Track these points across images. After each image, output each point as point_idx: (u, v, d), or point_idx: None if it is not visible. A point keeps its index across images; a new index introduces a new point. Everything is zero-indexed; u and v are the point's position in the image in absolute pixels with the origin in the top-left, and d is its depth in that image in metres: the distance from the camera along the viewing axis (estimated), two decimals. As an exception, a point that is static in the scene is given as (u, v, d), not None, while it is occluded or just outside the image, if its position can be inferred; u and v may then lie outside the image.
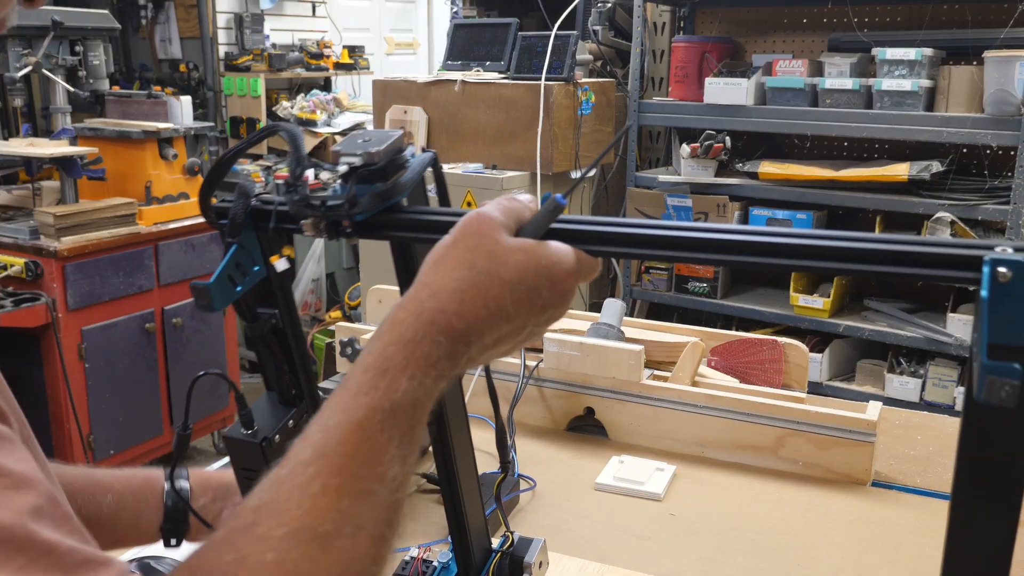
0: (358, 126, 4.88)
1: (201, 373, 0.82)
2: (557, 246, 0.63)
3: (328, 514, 0.53)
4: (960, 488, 0.58)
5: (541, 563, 0.86)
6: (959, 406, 2.96)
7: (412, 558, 0.87)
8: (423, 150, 0.72)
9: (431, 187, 0.76)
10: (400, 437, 0.57)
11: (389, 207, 0.69)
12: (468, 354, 0.61)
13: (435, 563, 0.86)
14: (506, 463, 0.86)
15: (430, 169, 0.73)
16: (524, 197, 0.67)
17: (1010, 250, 0.53)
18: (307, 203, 0.69)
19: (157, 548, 1.11)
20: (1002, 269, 0.51)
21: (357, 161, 0.68)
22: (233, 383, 0.79)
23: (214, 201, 0.74)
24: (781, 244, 0.61)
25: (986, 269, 0.52)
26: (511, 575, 0.84)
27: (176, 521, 0.90)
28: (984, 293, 0.52)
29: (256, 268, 0.74)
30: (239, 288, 0.73)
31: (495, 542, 0.87)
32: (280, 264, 0.75)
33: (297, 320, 0.79)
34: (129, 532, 0.91)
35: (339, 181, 0.69)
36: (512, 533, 0.86)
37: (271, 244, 0.75)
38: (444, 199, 0.76)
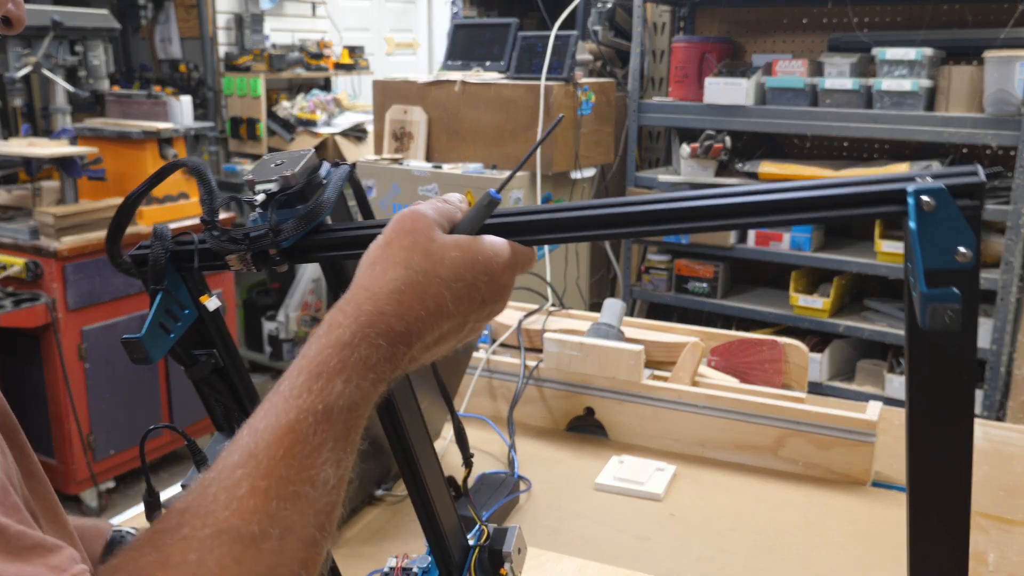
0: (357, 127, 4.88)
1: (151, 427, 0.80)
2: (492, 240, 0.63)
3: (255, 516, 0.52)
4: (916, 413, 0.60)
5: (520, 550, 0.85)
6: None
7: (391, 568, 0.86)
8: (335, 164, 0.70)
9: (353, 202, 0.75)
10: (334, 440, 0.56)
11: (315, 228, 0.67)
12: (409, 355, 0.60)
13: (415, 569, 0.85)
14: (468, 459, 0.85)
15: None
16: (454, 197, 0.67)
17: (928, 179, 0.54)
18: (229, 238, 0.67)
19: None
20: (926, 199, 0.53)
21: (274, 187, 0.66)
22: (184, 433, 0.77)
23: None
24: (705, 207, 0.60)
25: (911, 200, 0.53)
26: (492, 566, 0.84)
27: None
28: (912, 225, 0.53)
29: (187, 311, 0.72)
30: (172, 335, 0.71)
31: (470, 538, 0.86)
32: (211, 303, 0.73)
33: (238, 356, 0.77)
34: None
35: (258, 210, 0.67)
36: (487, 526, 0.85)
37: (198, 284, 0.73)
38: (366, 212, 0.74)
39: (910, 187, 0.54)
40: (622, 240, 3.70)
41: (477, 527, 0.85)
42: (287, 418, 0.55)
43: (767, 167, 3.21)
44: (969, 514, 0.60)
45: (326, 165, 0.70)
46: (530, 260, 0.65)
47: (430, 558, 0.83)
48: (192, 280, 0.72)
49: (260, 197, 0.67)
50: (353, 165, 0.71)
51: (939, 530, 0.62)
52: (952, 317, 0.52)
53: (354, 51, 5.31)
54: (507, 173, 3.21)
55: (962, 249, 0.52)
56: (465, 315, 0.62)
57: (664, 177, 3.42)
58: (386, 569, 0.86)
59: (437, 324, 0.61)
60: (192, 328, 0.73)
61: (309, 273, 4.47)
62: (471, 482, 1.27)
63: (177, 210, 3.51)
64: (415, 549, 1.00)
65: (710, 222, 0.61)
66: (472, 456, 0.84)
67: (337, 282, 0.71)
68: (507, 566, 0.84)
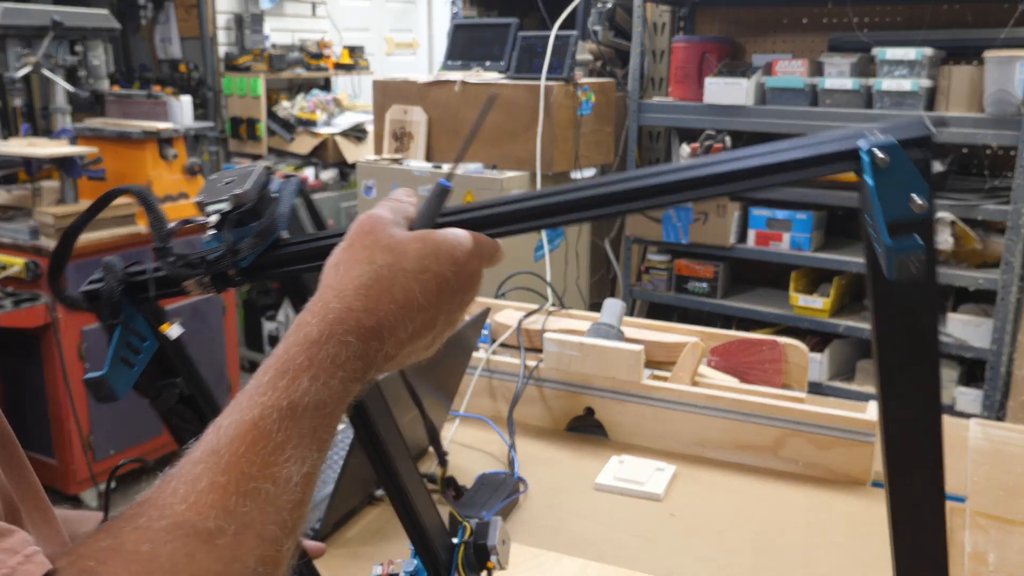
0: (357, 127, 4.88)
1: (122, 462, 0.79)
2: (452, 230, 0.63)
3: (212, 510, 0.52)
4: (886, 363, 0.61)
5: (504, 541, 0.86)
6: (959, 406, 2.96)
7: (377, 575, 0.86)
8: (286, 177, 0.70)
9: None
10: (299, 438, 0.55)
11: (272, 244, 0.66)
12: (383, 351, 0.60)
13: (401, 574, 0.85)
14: (442, 458, 0.85)
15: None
16: (402, 192, 0.67)
17: (878, 134, 0.55)
18: (186, 263, 0.66)
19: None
20: (880, 155, 0.54)
21: (226, 206, 0.65)
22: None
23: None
24: (656, 185, 0.61)
25: (864, 157, 0.55)
26: (478, 561, 0.84)
27: None
28: (869, 181, 0.55)
29: (147, 343, 0.70)
30: (136, 368, 0.70)
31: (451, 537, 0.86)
32: (173, 331, 0.72)
33: (203, 382, 0.76)
34: None
35: (212, 232, 0.66)
36: (468, 522, 0.85)
37: (156, 314, 0.71)
38: (319, 223, 0.74)
39: (862, 144, 0.55)
40: (621, 243, 3.70)
41: (461, 525, 0.85)
42: (251, 414, 0.55)
43: (767, 167, 3.21)
44: (942, 459, 0.64)
45: (276, 179, 0.69)
46: (494, 250, 0.65)
47: (416, 561, 0.83)
48: (150, 310, 0.71)
49: (214, 218, 0.65)
50: (304, 179, 0.70)
51: (916, 478, 0.65)
52: (918, 266, 0.54)
53: (354, 51, 5.31)
54: (507, 173, 3.21)
55: (917, 199, 0.54)
56: (436, 306, 0.62)
57: (664, 177, 3.41)
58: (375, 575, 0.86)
59: (408, 316, 0.60)
60: (155, 358, 0.72)
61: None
62: (470, 483, 1.28)
63: (177, 210, 3.51)
64: (398, 553, 1.00)
65: (667, 197, 0.62)
66: (447, 454, 0.84)
67: (298, 297, 0.70)
68: (493, 559, 0.84)
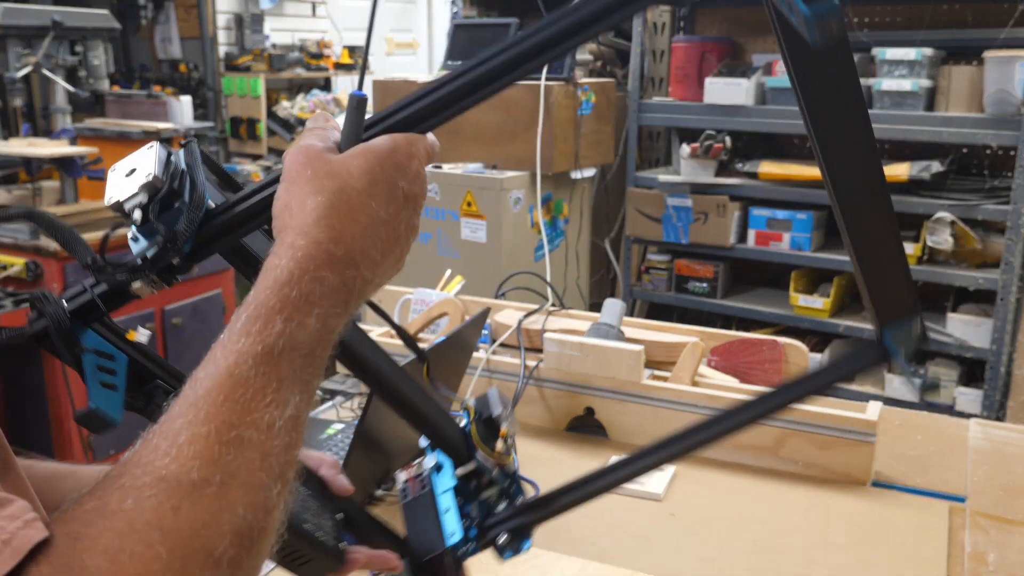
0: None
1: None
2: (383, 137, 0.62)
3: (194, 462, 0.51)
4: (819, 126, 0.61)
5: (506, 406, 0.85)
6: (959, 406, 2.96)
7: (404, 482, 0.85)
8: (183, 144, 0.65)
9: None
10: (279, 381, 0.54)
11: (205, 216, 0.63)
12: (360, 276, 0.59)
13: (425, 471, 0.84)
14: (419, 354, 0.85)
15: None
16: (319, 117, 0.65)
17: None
18: (128, 269, 0.63)
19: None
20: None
21: (143, 198, 0.61)
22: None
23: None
24: (545, 39, 0.60)
25: None
26: (490, 434, 0.83)
27: None
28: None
29: (117, 359, 0.68)
30: (119, 388, 0.67)
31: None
32: (141, 336, 0.69)
33: (180, 374, 0.73)
34: None
35: (135, 228, 0.62)
36: (467, 402, 0.84)
37: (113, 328, 0.68)
38: (231, 184, 0.69)
39: None
40: (621, 243, 3.70)
41: (463, 408, 0.84)
42: (225, 363, 0.54)
43: (767, 167, 3.21)
44: (891, 205, 0.64)
45: (173, 151, 0.64)
46: (429, 143, 0.64)
47: (435, 455, 0.83)
48: (106, 327, 0.68)
49: (136, 214, 0.61)
50: (196, 137, 0.67)
51: (869, 220, 0.65)
52: (838, 24, 0.53)
53: (354, 51, 5.31)
54: (507, 173, 3.21)
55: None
56: (396, 215, 0.61)
57: (664, 177, 3.42)
58: (401, 486, 0.85)
59: (375, 234, 0.59)
60: (131, 370, 0.69)
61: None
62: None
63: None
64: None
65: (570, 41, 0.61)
66: (422, 351, 0.84)
67: (249, 267, 0.67)
68: (504, 426, 0.83)
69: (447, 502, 0.81)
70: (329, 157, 0.60)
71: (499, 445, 0.83)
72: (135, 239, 0.63)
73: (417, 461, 0.85)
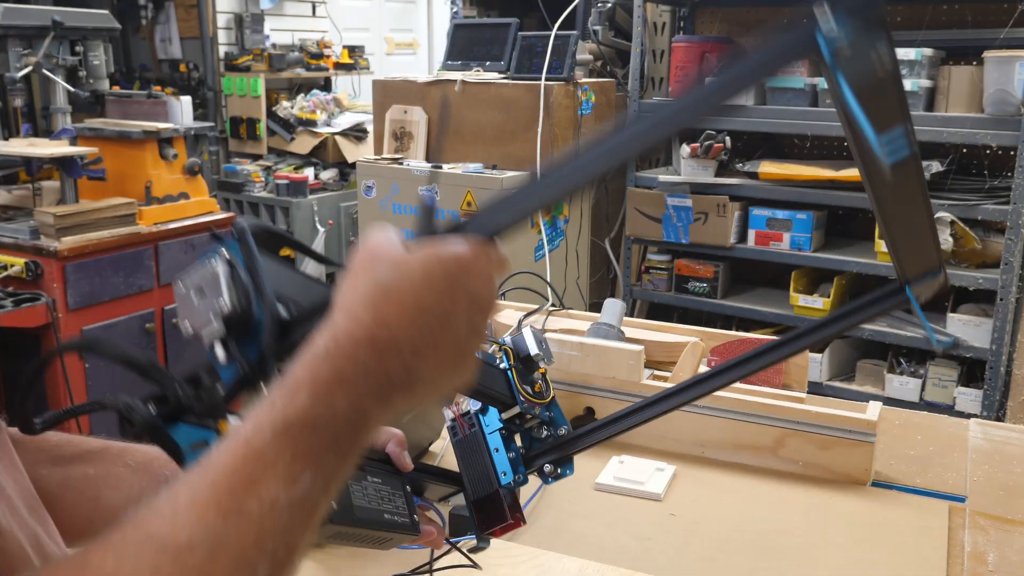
0: (357, 127, 4.88)
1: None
2: (454, 237, 0.59)
3: (187, 526, 0.49)
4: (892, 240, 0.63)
5: (541, 343, 0.90)
6: (959, 406, 2.96)
7: (452, 419, 0.89)
8: (232, 234, 0.64)
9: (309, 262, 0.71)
10: (292, 457, 0.52)
11: (281, 324, 0.62)
12: (404, 366, 0.55)
13: (472, 410, 0.89)
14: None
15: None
16: (389, 229, 0.63)
17: (829, 14, 0.53)
18: (223, 400, 0.62)
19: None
20: (841, 45, 0.53)
21: (221, 331, 0.61)
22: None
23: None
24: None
25: (825, 50, 0.53)
26: (529, 372, 0.89)
27: None
28: (841, 84, 0.53)
29: (212, 440, 0.65)
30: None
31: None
32: (234, 420, 0.66)
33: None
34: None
35: (223, 363, 0.62)
36: (504, 343, 0.89)
37: (206, 423, 0.65)
38: (286, 241, 0.70)
39: (819, 35, 0.53)
40: (621, 243, 3.70)
41: (501, 350, 0.89)
42: (244, 431, 0.52)
43: (767, 167, 3.21)
44: (921, 168, 0.62)
45: (234, 254, 0.63)
46: (500, 257, 0.62)
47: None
48: (197, 417, 0.65)
49: (220, 353, 0.61)
50: (241, 230, 0.63)
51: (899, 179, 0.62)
52: (910, 149, 0.54)
53: (354, 51, 5.31)
54: (507, 173, 3.21)
55: (882, 60, 0.53)
56: (452, 311, 0.57)
57: (664, 177, 3.42)
58: (448, 423, 0.90)
59: (425, 324, 0.56)
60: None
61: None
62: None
63: (177, 210, 3.51)
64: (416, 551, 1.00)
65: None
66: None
67: None
68: (542, 364, 0.89)
69: (495, 441, 0.87)
70: (392, 249, 0.58)
71: (539, 383, 0.89)
72: (225, 368, 0.62)
73: (465, 400, 0.90)
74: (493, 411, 0.88)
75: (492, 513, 0.85)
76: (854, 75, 0.53)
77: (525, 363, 0.88)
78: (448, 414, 0.90)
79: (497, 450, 0.87)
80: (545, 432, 0.89)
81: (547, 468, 0.87)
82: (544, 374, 0.90)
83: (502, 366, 0.88)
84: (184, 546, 0.49)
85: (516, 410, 0.86)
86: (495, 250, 0.61)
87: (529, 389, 0.87)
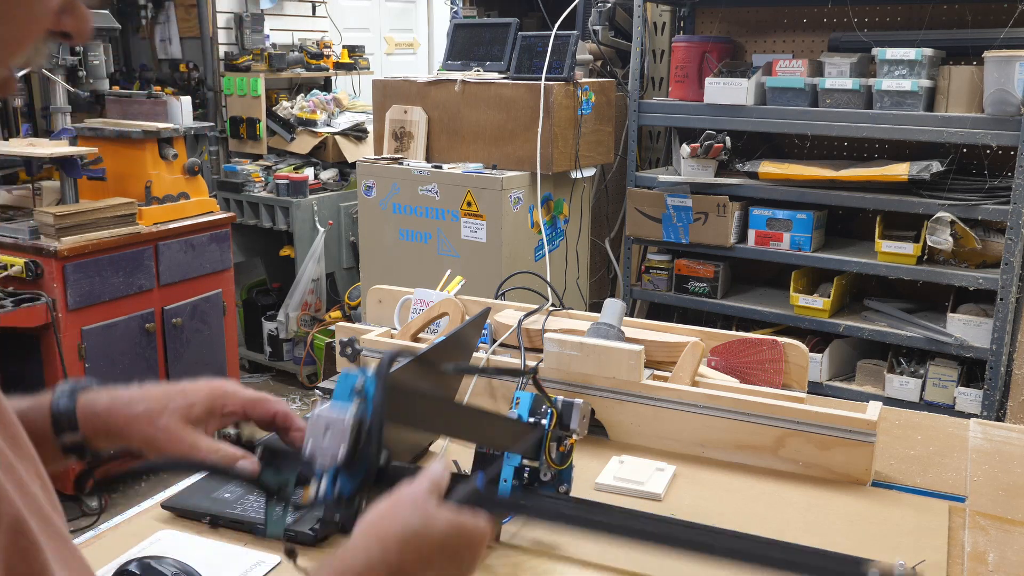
0: (357, 126, 4.87)
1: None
2: (477, 517, 0.75)
3: None
4: None
5: (585, 416, 1.15)
6: (959, 406, 2.96)
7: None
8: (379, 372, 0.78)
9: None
10: None
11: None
12: None
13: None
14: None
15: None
16: (440, 467, 0.78)
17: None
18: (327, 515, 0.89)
19: (158, 548, 1.11)
20: None
21: (331, 469, 0.76)
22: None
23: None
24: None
25: None
26: (561, 437, 1.12)
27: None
28: None
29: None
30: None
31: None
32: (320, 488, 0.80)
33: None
34: None
35: (329, 483, 0.76)
36: (557, 403, 1.13)
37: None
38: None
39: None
40: (621, 243, 3.71)
41: (547, 409, 1.12)
42: None
43: (767, 167, 3.21)
44: None
45: (374, 392, 0.76)
46: (492, 535, 0.83)
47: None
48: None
49: (324, 481, 0.76)
50: (387, 386, 0.77)
51: None
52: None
53: (354, 51, 5.31)
54: (507, 173, 3.21)
55: None
56: (451, 572, 0.74)
57: (664, 177, 3.42)
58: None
59: (424, 571, 0.72)
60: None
61: (309, 273, 4.47)
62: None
63: (177, 210, 3.51)
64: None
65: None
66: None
67: None
68: (573, 436, 1.15)
69: (507, 474, 1.10)
70: (427, 504, 0.74)
71: (565, 447, 1.12)
72: (329, 480, 0.77)
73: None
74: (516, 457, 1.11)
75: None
76: None
77: (562, 428, 1.09)
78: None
79: (505, 480, 1.09)
80: (549, 475, 1.12)
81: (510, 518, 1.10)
82: (573, 445, 1.11)
83: (543, 422, 1.09)
84: None
85: (536, 464, 1.11)
86: (496, 527, 0.81)
87: (555, 448, 1.10)
